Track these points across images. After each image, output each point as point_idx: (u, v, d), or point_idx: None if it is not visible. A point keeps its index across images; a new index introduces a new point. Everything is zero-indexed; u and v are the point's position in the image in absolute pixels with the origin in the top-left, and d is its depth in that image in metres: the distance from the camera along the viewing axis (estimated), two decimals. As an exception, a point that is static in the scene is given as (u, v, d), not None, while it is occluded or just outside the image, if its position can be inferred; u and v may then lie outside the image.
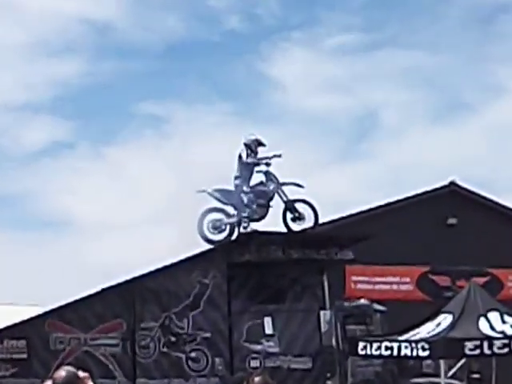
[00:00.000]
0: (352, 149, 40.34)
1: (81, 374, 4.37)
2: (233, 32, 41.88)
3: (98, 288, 12.11)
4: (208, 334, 12.12)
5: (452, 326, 10.51)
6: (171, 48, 41.68)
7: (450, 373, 12.98)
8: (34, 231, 43.43)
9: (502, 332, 10.25)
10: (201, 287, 12.19)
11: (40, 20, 41.57)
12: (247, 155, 12.22)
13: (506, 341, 9.94)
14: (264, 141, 12.30)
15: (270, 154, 12.27)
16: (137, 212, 37.16)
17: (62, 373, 4.03)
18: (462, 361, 12.82)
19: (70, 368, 4.11)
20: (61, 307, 12.06)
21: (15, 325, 11.97)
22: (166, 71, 41.51)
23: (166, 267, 12.04)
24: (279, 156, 12.21)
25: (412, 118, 42.10)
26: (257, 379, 4.86)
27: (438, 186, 20.46)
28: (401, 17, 40.27)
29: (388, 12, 41.14)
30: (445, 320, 10.85)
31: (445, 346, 10.20)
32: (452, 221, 20.02)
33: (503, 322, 10.58)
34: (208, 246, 12.33)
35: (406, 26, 40.69)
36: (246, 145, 12.24)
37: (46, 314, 12.23)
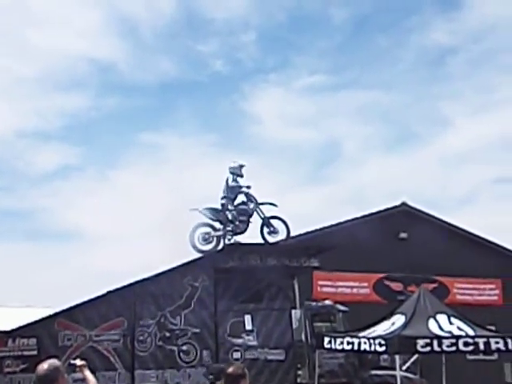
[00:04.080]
0: (319, 174, 43.51)
1: (78, 362, 5.31)
2: (218, 73, 44.99)
3: (103, 291, 13.13)
4: (197, 330, 13.41)
5: (405, 326, 11.27)
6: (166, 87, 44.53)
7: (405, 366, 13.61)
8: (46, 242, 45.20)
9: (450, 332, 10.98)
10: (192, 289, 13.56)
11: (51, 58, 43.41)
12: (232, 180, 13.87)
13: (453, 340, 10.63)
14: (244, 163, 13.98)
15: (245, 185, 13.94)
16: (137, 226, 39.19)
17: (44, 365, 4.03)
18: (415, 356, 13.50)
19: (53, 361, 4.11)
20: (69, 308, 12.98)
21: (27, 325, 12.71)
22: (162, 107, 44.37)
23: (162, 272, 13.35)
24: (249, 187, 13.90)
25: (370, 147, 45.29)
26: (230, 369, 4.83)
27: (391, 205, 22.39)
28: (361, 60, 43.58)
29: (350, 56, 44.42)
30: (399, 320, 11.71)
31: (399, 343, 10.71)
32: (403, 235, 21.82)
33: (450, 323, 11.36)
34: (198, 255, 13.77)
35: (365, 69, 44.01)
36: (231, 171, 13.90)
37: (55, 314, 13.03)
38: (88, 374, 4.91)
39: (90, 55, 45.47)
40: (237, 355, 13.64)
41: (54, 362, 4.08)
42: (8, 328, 12.97)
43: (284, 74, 48.05)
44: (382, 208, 22.13)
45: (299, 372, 14.25)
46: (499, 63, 43.90)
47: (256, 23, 46.98)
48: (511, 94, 43.48)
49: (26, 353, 12.44)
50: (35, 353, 12.38)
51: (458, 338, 10.78)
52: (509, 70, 44.59)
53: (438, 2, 45.18)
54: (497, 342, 10.84)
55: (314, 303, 15.26)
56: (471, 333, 11.12)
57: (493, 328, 12.70)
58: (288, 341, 14.07)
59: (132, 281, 13.31)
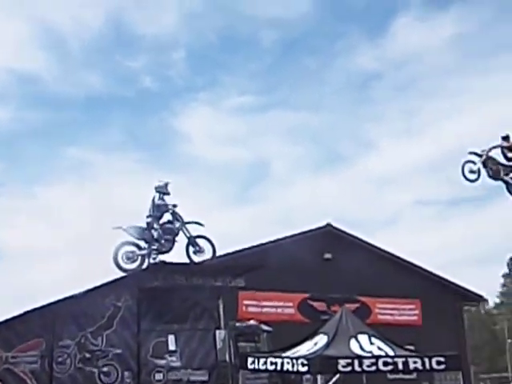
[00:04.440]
0: (247, 193, 43.90)
1: None
2: (147, 90, 44.78)
3: (21, 310, 12.80)
4: (119, 351, 13.22)
5: (327, 346, 11.48)
6: (92, 101, 43.76)
7: (327, 386, 13.22)
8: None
9: (370, 352, 11.24)
10: (114, 309, 13.41)
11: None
12: (159, 198, 13.65)
13: (373, 360, 10.86)
14: (169, 180, 13.80)
15: (171, 203, 13.72)
16: (60, 244, 38.25)
17: None
18: (337, 376, 13.00)
19: None
20: (-16, 330, 12.49)
21: None
22: (89, 121, 43.44)
23: (84, 292, 13.02)
24: (175, 206, 13.70)
25: (299, 168, 46.13)
26: None
27: (316, 226, 22.69)
28: (289, 82, 44.55)
29: (279, 77, 45.33)
30: (321, 340, 11.91)
31: (321, 363, 10.90)
32: (328, 256, 22.14)
33: (371, 343, 11.64)
34: (122, 274, 13.40)
35: (294, 90, 45.05)
36: (157, 190, 13.69)
37: (-31, 335, 12.63)
38: None
39: (10, 66, 44.07)
40: (159, 376, 13.48)
41: None
42: None
43: (213, 93, 48.50)
44: (307, 229, 22.34)
45: (223, 393, 14.08)
46: (420, 88, 45.84)
47: (186, 41, 47.22)
48: (431, 118, 45.47)
49: None
50: None
51: (377, 357, 11.02)
52: (429, 95, 46.68)
53: (363, 29, 46.85)
54: (415, 362, 11.16)
55: (238, 323, 15.30)
56: (391, 353, 11.43)
57: (412, 348, 13.02)
58: (212, 361, 13.99)
59: (52, 300, 13.04)
